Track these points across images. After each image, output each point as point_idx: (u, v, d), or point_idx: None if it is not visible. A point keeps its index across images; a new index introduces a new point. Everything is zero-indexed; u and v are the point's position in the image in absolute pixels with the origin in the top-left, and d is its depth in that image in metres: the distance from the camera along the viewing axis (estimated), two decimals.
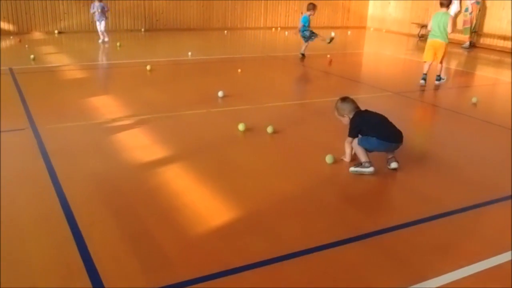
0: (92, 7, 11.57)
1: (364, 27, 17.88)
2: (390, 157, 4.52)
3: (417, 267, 2.98)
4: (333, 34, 15.14)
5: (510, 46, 13.13)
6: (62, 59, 9.78)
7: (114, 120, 5.69)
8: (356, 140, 4.42)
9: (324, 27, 16.99)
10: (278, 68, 9.97)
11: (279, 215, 3.59)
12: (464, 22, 13.67)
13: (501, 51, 13.23)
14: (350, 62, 11.24)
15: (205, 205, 3.68)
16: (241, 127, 5.39)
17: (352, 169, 4.39)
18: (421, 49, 12.97)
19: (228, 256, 3.02)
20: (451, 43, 8.99)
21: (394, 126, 4.49)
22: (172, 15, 14.63)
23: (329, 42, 10.98)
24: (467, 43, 13.70)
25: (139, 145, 4.95)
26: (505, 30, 13.26)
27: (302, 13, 15.80)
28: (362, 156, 4.37)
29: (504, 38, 13.33)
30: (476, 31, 13.88)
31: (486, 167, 4.77)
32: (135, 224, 3.35)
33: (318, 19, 17.14)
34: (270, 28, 16.14)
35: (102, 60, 9.78)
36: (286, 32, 15.37)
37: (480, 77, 10.20)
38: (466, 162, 4.88)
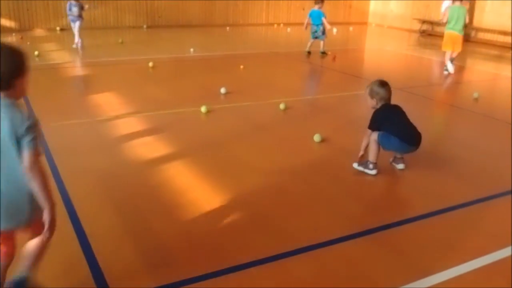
0: (68, 6, 10.40)
1: (365, 23, 17.84)
2: (399, 157, 4.47)
3: (421, 262, 2.98)
4: (335, 30, 15.15)
5: (510, 41, 13.11)
6: (64, 56, 9.78)
7: (117, 117, 5.69)
8: (376, 135, 4.25)
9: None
10: (281, 65, 9.96)
11: (284, 211, 3.59)
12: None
13: (502, 46, 13.21)
14: (353, 58, 11.22)
15: (209, 202, 3.68)
16: (316, 138, 5.09)
17: (355, 165, 4.38)
18: (422, 45, 13.02)
19: (232, 253, 3.02)
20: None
21: (415, 128, 4.33)
22: (174, 12, 14.62)
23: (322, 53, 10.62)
24: None
25: (142, 142, 4.95)
26: (505, 25, 13.23)
27: (304, 9, 15.82)
28: (372, 155, 4.26)
29: (504, 33, 13.31)
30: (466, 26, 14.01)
31: (488, 162, 4.76)
32: (138, 221, 3.36)
33: None
34: (272, 24, 16.12)
35: (105, 57, 9.77)
36: (288, 29, 15.35)
37: (481, 72, 10.18)
38: (468, 156, 4.88)
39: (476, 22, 13.95)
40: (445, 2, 7.80)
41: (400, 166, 4.44)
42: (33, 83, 6.12)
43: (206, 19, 15.19)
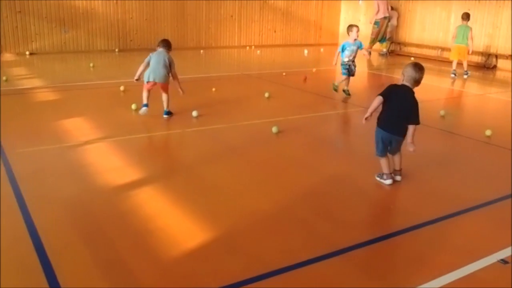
0: None
1: (336, 44, 18.08)
2: (397, 169, 4.63)
3: (394, 279, 3.00)
4: (306, 52, 15.35)
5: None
6: (34, 81, 9.65)
7: (86, 142, 5.61)
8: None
9: (297, 45, 17.18)
10: (253, 86, 10.01)
11: (255, 234, 3.57)
12: (372, 33, 15.37)
13: (428, 58, 14.01)
14: (324, 79, 11.33)
15: (180, 227, 3.64)
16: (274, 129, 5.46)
17: (376, 177, 4.63)
18: (390, 64, 13.27)
19: (204, 278, 2.98)
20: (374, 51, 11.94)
21: (403, 118, 4.44)
22: (146, 35, 14.59)
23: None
24: (369, 51, 14.96)
25: (112, 167, 4.88)
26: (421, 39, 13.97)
27: (275, 31, 15.98)
28: (384, 167, 4.55)
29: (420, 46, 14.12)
30: (384, 40, 15.65)
31: (456, 178, 4.85)
32: (107, 250, 3.29)
33: (291, 37, 17.36)
34: (245, 46, 16.24)
35: (75, 81, 9.66)
36: (258, 51, 15.49)
37: (445, 89, 10.41)
38: (436, 173, 4.95)
39: (441, 42, 14.32)
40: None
41: (398, 178, 4.61)
42: (1, 109, 5.91)
43: (178, 42, 15.18)
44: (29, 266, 3.04)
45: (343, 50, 8.35)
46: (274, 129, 6.16)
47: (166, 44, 7.02)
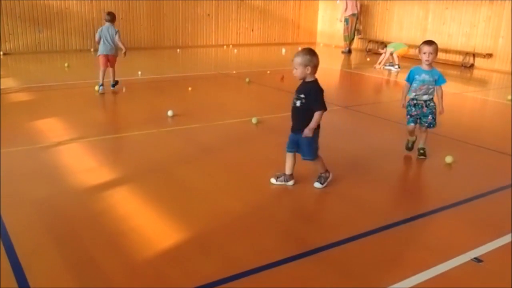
0: None
1: (314, 43, 18.20)
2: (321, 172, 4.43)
3: (366, 279, 3.02)
4: (283, 50, 15.39)
5: (450, 59, 13.75)
6: (7, 81, 9.47)
7: (59, 143, 5.53)
8: None
9: (275, 43, 17.21)
10: (229, 86, 9.99)
11: (229, 234, 3.56)
12: (344, 31, 15.88)
13: (443, 63, 13.79)
14: None
15: (152, 228, 3.61)
16: (448, 159, 5.16)
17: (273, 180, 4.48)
18: (368, 63, 13.38)
19: (177, 280, 2.96)
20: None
21: (301, 116, 4.26)
22: (122, 35, 14.21)
23: None
24: (347, 49, 15.86)
25: (85, 168, 4.82)
26: (445, 44, 13.87)
27: (253, 30, 16.02)
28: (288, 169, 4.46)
29: (445, 51, 13.94)
30: (353, 39, 15.96)
31: (428, 177, 4.90)
32: (79, 252, 3.25)
33: (268, 36, 17.38)
34: (222, 45, 16.21)
35: (49, 81, 9.51)
36: (235, 50, 15.48)
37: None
38: (408, 172, 5.00)
39: (419, 41, 14.49)
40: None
41: (315, 184, 4.42)
42: None
43: (155, 41, 15.12)
44: None
45: (411, 79, 5.26)
46: (254, 120, 6.48)
47: (112, 17, 8.37)
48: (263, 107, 7.94)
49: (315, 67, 4.29)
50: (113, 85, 8.41)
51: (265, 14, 17.06)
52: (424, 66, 5.16)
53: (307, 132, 4.14)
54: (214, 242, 3.44)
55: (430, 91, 5.17)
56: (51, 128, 6.20)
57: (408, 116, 5.29)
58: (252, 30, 16.96)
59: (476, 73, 12.80)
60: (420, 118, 5.25)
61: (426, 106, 5.21)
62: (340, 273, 3.09)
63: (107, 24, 8.19)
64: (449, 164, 5.07)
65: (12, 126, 6.16)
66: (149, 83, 9.66)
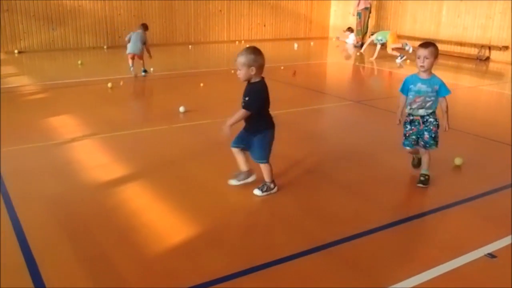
0: None
1: (326, 38, 18.11)
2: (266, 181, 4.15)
3: (376, 274, 3.01)
4: (296, 45, 15.32)
5: (465, 52, 13.61)
6: (22, 79, 9.59)
7: (73, 140, 5.58)
8: None
9: (287, 38, 17.15)
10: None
11: (239, 229, 3.58)
12: (357, 25, 15.89)
13: (458, 56, 13.65)
14: (314, 73, 11.35)
15: (164, 224, 3.63)
16: (457, 161, 4.90)
17: (232, 181, 4.33)
18: (382, 57, 13.27)
19: (187, 274, 2.98)
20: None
21: (249, 118, 4.00)
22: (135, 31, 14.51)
23: None
24: (359, 43, 15.72)
25: (98, 164, 4.86)
26: (460, 36, 13.71)
27: (265, 25, 15.99)
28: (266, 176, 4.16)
29: (460, 44, 13.79)
30: (366, 33, 15.85)
31: (438, 172, 4.85)
32: (92, 247, 3.28)
33: (281, 32, 17.33)
34: (234, 41, 16.19)
35: (63, 79, 9.61)
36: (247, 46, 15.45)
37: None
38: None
39: (433, 34, 14.33)
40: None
41: (249, 179, 4.25)
42: None
43: (167, 37, 15.16)
44: (14, 264, 3.03)
45: (406, 89, 4.41)
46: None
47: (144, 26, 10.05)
48: (275, 103, 7.90)
49: (260, 67, 3.86)
50: (144, 71, 9.78)
51: (277, 9, 17.00)
52: (421, 74, 4.27)
53: (224, 128, 3.93)
54: (225, 237, 3.45)
55: (428, 104, 4.24)
56: (64, 124, 6.26)
57: (403, 137, 4.45)
58: (264, 26, 16.92)
59: (491, 66, 12.63)
60: (418, 137, 4.38)
61: (424, 123, 4.30)
62: (350, 268, 3.09)
63: (139, 30, 9.77)
64: (458, 166, 4.95)
65: (26, 123, 6.24)
66: (161, 79, 9.70)
